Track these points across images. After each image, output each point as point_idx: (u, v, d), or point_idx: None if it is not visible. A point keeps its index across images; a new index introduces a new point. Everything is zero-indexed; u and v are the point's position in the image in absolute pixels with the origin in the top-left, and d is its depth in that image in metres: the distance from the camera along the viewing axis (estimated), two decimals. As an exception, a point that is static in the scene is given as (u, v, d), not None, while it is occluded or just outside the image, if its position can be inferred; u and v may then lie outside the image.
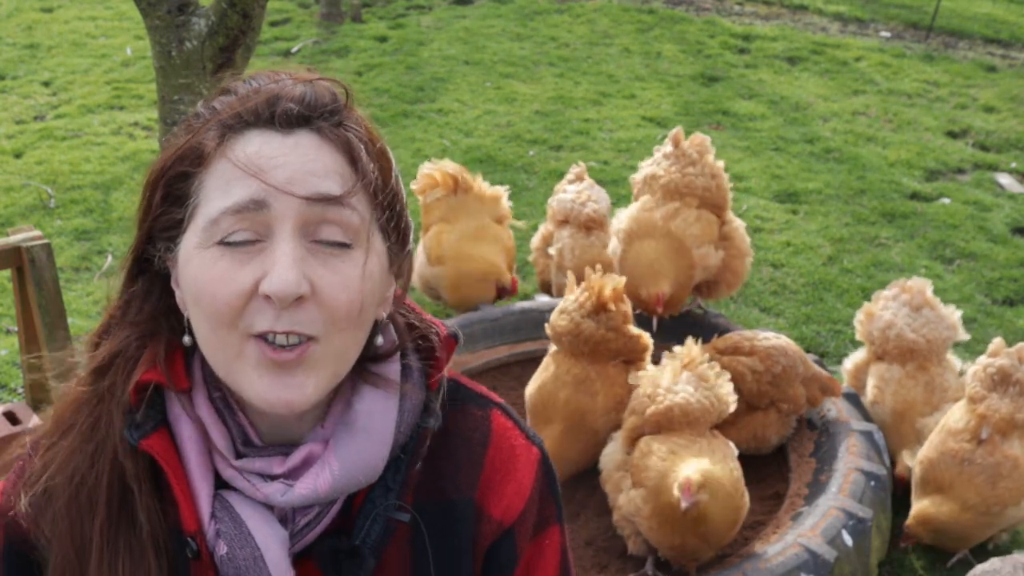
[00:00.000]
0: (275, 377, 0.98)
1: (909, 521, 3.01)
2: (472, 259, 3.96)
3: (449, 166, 4.11)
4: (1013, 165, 5.93)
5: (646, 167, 3.54)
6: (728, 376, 2.85)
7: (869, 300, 3.57)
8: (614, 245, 3.51)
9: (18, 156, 5.91)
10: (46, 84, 7.07)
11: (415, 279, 4.14)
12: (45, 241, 2.85)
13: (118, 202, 5.28)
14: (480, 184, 4.13)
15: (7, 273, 3.17)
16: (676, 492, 2.48)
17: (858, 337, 3.50)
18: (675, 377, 2.78)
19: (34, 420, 2.81)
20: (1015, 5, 9.17)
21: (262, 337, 0.98)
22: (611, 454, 2.86)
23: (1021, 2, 9.28)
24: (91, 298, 4.40)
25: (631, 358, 3.05)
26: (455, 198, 4.06)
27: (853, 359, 3.54)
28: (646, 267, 3.33)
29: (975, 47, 8.06)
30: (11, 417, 2.85)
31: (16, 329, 3.55)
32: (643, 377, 2.86)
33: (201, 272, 0.98)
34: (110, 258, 4.75)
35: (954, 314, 3.38)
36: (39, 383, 2.97)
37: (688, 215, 3.34)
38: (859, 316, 3.48)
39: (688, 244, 3.32)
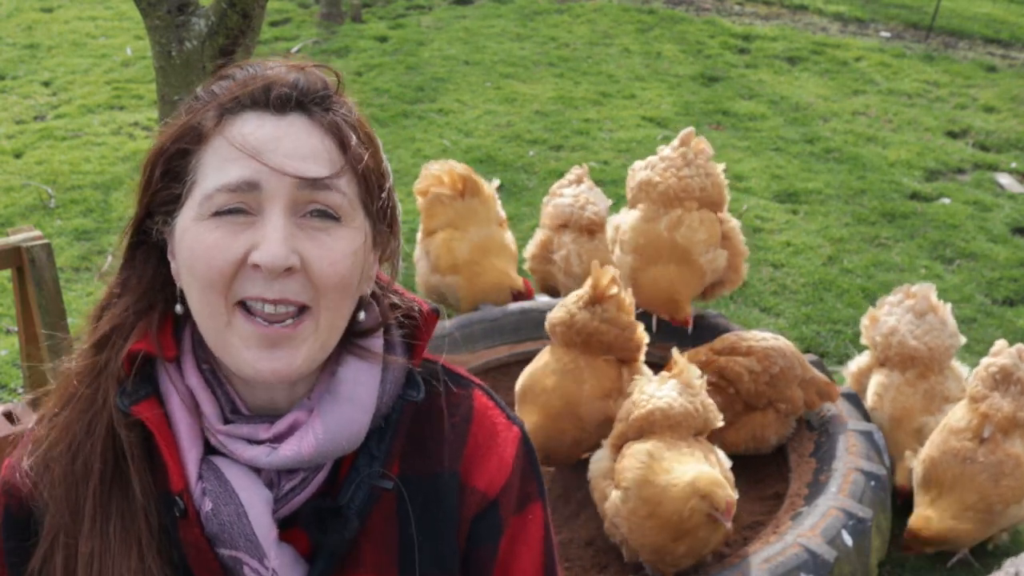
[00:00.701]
0: (264, 349, 1.03)
1: (909, 532, 2.99)
2: (488, 271, 3.90)
3: (457, 167, 4.00)
4: (1013, 165, 5.93)
5: (639, 171, 3.46)
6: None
7: (869, 300, 3.56)
8: (618, 255, 3.45)
9: (18, 156, 5.91)
10: (46, 84, 7.07)
11: (419, 285, 4.10)
12: (45, 241, 2.85)
13: (118, 202, 5.28)
14: (487, 187, 4.05)
15: (7, 273, 3.17)
16: (711, 508, 2.49)
17: (863, 341, 3.48)
18: (661, 383, 2.76)
19: (34, 420, 2.81)
20: (1015, 5, 9.17)
21: (251, 308, 1.03)
22: (599, 462, 2.84)
23: (1021, 2, 9.28)
24: (91, 298, 4.40)
25: (624, 356, 3.04)
26: (463, 202, 3.94)
27: (857, 363, 3.51)
28: (665, 294, 3.35)
29: (975, 47, 8.06)
30: (11, 417, 2.85)
31: (16, 329, 3.55)
32: (635, 383, 2.84)
33: (196, 241, 1.04)
34: (110, 258, 4.75)
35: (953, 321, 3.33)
36: (39, 383, 2.97)
37: (691, 221, 3.31)
38: (864, 321, 3.46)
39: (696, 253, 3.30)
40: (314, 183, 1.03)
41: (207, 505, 1.06)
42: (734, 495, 2.52)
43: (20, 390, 3.82)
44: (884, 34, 8.28)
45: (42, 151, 5.93)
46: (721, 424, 2.81)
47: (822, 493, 2.82)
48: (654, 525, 2.57)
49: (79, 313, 4.24)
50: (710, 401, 2.78)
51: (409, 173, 5.14)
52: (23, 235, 2.86)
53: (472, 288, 3.91)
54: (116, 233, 4.96)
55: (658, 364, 3.20)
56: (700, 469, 2.55)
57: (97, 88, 6.93)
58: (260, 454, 1.07)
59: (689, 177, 3.32)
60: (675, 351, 2.90)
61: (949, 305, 3.40)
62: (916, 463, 3.08)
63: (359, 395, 1.10)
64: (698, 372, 2.82)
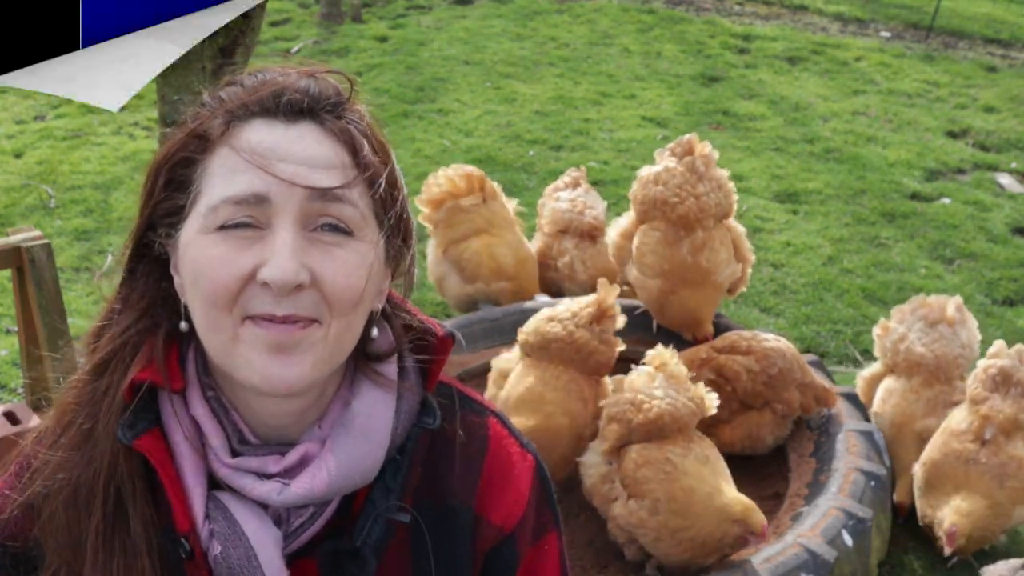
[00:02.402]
0: (274, 356, 0.98)
1: (950, 528, 2.89)
2: (532, 292, 3.81)
3: (473, 171, 3.82)
4: (1013, 165, 5.93)
5: (650, 186, 3.30)
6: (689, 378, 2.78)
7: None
8: (638, 277, 3.37)
9: (18, 156, 5.91)
10: (46, 84, 7.07)
11: (449, 299, 3.97)
12: (45, 241, 2.85)
13: (118, 202, 5.28)
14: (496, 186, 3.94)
15: (7, 273, 3.17)
16: (747, 532, 2.53)
17: (875, 352, 3.45)
18: (651, 381, 2.70)
19: (34, 420, 2.81)
20: (1015, 5, 9.17)
21: (261, 319, 0.98)
22: (593, 466, 2.79)
23: (1021, 2, 9.28)
24: (91, 298, 4.40)
25: (587, 368, 2.98)
26: (486, 207, 3.78)
27: (869, 369, 3.47)
28: (690, 316, 3.34)
29: (975, 47, 8.06)
30: (11, 417, 2.85)
31: (16, 329, 3.55)
32: (620, 381, 2.77)
33: (200, 255, 0.99)
34: (110, 258, 4.75)
35: (974, 334, 3.28)
36: (39, 383, 2.97)
37: (712, 242, 3.26)
38: (876, 330, 3.41)
39: (719, 272, 3.28)
40: (325, 194, 0.98)
41: (216, 548, 1.02)
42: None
43: (20, 390, 3.82)
44: (884, 34, 8.28)
45: (42, 151, 5.93)
46: (715, 410, 2.76)
47: (822, 493, 2.82)
48: (688, 546, 2.57)
49: (79, 313, 4.24)
50: (699, 390, 2.75)
51: (409, 173, 5.14)
52: (23, 235, 2.86)
53: (526, 293, 3.81)
54: (116, 233, 4.97)
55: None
56: (730, 491, 2.57)
57: (97, 88, 6.93)
58: (271, 491, 1.03)
59: (705, 195, 3.24)
60: (660, 347, 2.85)
61: (972, 319, 3.33)
62: (917, 467, 3.07)
63: (373, 429, 1.06)
64: (682, 366, 2.77)
